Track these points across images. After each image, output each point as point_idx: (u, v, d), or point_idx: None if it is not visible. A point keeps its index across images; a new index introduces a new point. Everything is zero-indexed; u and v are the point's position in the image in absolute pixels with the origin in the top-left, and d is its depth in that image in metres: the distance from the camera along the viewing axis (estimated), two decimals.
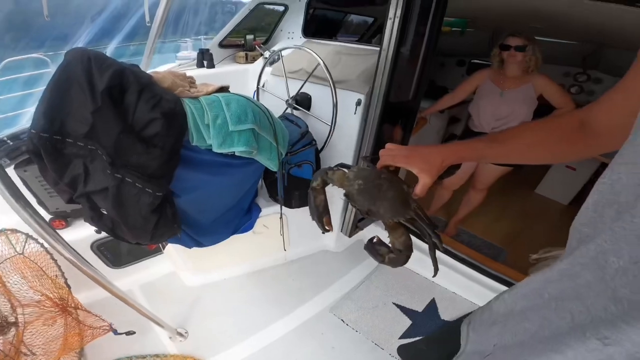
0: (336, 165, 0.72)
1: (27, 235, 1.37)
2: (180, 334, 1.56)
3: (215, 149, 1.19)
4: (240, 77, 2.50)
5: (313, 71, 1.84)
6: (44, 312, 1.35)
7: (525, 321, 0.43)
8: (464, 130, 2.42)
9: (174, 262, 1.86)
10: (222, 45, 2.48)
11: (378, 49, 1.66)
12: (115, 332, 1.36)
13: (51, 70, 2.61)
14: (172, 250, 1.70)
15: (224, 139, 1.18)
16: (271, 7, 2.62)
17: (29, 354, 1.27)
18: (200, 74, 2.25)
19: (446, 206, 2.63)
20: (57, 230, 1.29)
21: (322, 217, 0.71)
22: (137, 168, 1.05)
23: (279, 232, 1.82)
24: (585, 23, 2.11)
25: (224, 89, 1.34)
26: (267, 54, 2.26)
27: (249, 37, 2.58)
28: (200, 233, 1.47)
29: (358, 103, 1.81)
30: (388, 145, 0.68)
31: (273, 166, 1.43)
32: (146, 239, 1.22)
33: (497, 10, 2.29)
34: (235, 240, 1.69)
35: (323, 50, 2.19)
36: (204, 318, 1.70)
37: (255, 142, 1.27)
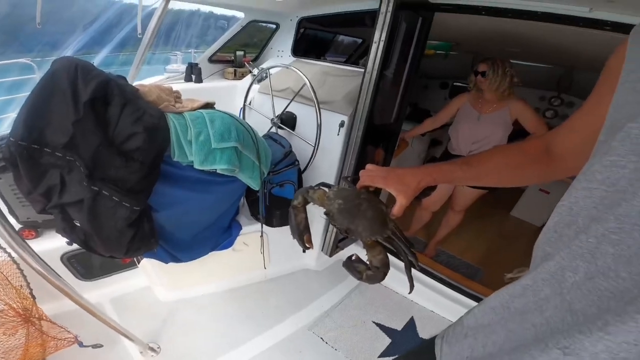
0: (317, 185, 0.74)
1: None
2: (152, 349, 1.50)
3: (197, 166, 1.19)
4: (228, 93, 2.51)
5: (299, 91, 1.88)
6: (6, 321, 1.29)
7: (493, 334, 0.45)
8: (443, 153, 2.50)
9: (149, 276, 1.81)
10: (211, 60, 2.51)
11: (363, 70, 1.72)
12: (81, 345, 1.32)
13: (37, 76, 2.57)
14: (148, 264, 1.67)
15: (206, 156, 1.19)
16: (264, 24, 2.70)
17: None
18: (187, 88, 2.26)
19: (426, 227, 2.69)
20: (27, 240, 1.25)
21: (302, 235, 0.72)
22: (115, 181, 1.04)
23: (259, 250, 1.81)
24: (557, 46, 2.25)
25: (209, 105, 1.36)
26: (255, 71, 2.30)
27: (239, 53, 2.62)
28: (178, 248, 1.45)
29: (341, 125, 1.85)
30: (368, 167, 0.70)
31: (255, 185, 1.44)
32: (120, 253, 1.20)
33: (477, 34, 2.41)
34: (214, 257, 1.67)
35: (310, 70, 2.25)
36: (178, 334, 1.65)
37: (237, 161, 1.29)
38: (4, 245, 1.29)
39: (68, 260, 1.60)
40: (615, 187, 0.34)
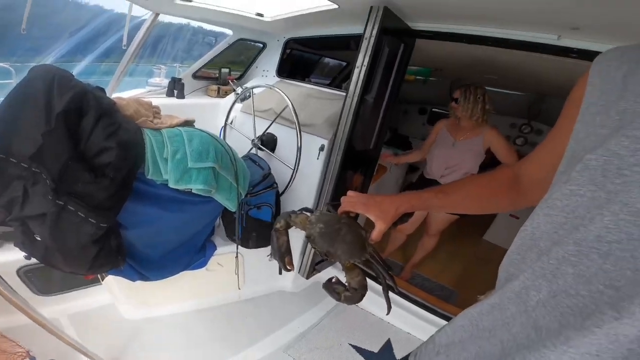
0: (300, 209, 0.76)
1: None
2: None
3: (171, 185, 1.17)
4: (210, 110, 2.49)
5: (281, 112, 1.91)
6: None
7: (464, 351, 0.46)
8: (418, 177, 2.58)
9: (113, 293, 1.72)
10: (195, 76, 2.50)
11: (345, 94, 1.76)
12: None
13: (14, 81, 2.46)
14: (113, 281, 1.59)
15: (182, 175, 1.18)
16: (252, 42, 2.74)
17: None
18: (168, 104, 2.23)
19: (402, 251, 2.75)
20: None
21: (284, 257, 0.74)
22: (82, 197, 1.01)
23: (234, 271, 1.77)
24: (529, 73, 2.39)
25: (188, 123, 1.36)
26: (239, 89, 2.31)
27: (224, 70, 2.63)
28: (147, 267, 1.40)
29: (321, 148, 1.87)
30: (349, 193, 0.73)
31: (231, 206, 1.43)
32: (82, 270, 1.14)
33: (456, 60, 2.53)
34: (186, 276, 1.62)
35: (294, 91, 2.29)
36: (143, 354, 1.56)
37: (214, 181, 1.27)
38: None
39: (25, 274, 1.51)
40: (574, 214, 0.37)
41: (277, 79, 2.58)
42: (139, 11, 2.13)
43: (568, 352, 0.31)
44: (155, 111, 1.36)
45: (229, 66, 2.78)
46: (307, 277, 2.15)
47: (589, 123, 0.41)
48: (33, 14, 1.86)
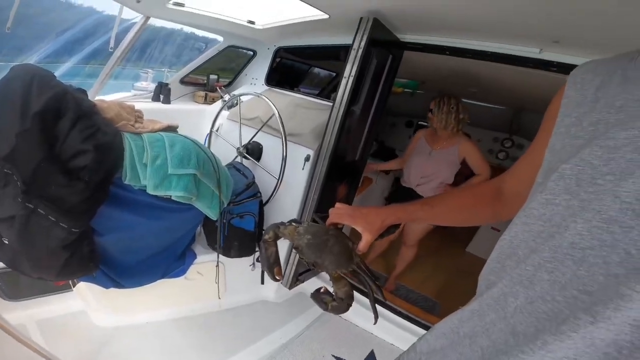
0: (289, 221, 0.78)
1: None
2: None
3: (150, 191, 1.14)
4: (196, 117, 2.46)
5: (267, 121, 1.91)
6: None
7: (445, 357, 0.47)
8: (396, 185, 2.62)
9: (85, 300, 1.65)
10: (183, 81, 2.48)
11: (332, 104, 1.76)
12: None
13: None
14: (84, 288, 1.52)
15: (161, 181, 1.15)
16: (243, 50, 2.74)
17: None
18: (153, 108, 2.20)
19: (385, 262, 2.78)
20: None
21: (272, 268, 0.75)
22: (54, 200, 0.97)
23: (214, 281, 1.73)
24: (510, 87, 2.44)
25: (171, 129, 1.34)
26: (226, 97, 2.30)
27: (213, 77, 2.62)
28: (122, 274, 1.35)
29: (307, 159, 1.87)
30: (337, 205, 0.74)
31: (213, 215, 1.40)
32: (51, 276, 1.09)
33: (442, 73, 2.59)
34: (164, 283, 1.57)
35: (282, 100, 2.30)
36: None
37: (195, 189, 1.25)
38: None
39: None
40: (550, 222, 0.38)
41: (266, 87, 2.59)
42: (129, 14, 2.12)
43: (546, 357, 0.32)
44: (138, 115, 1.34)
45: (218, 73, 2.78)
46: (290, 288, 2.12)
47: (564, 134, 0.43)
48: (21, 13, 1.82)
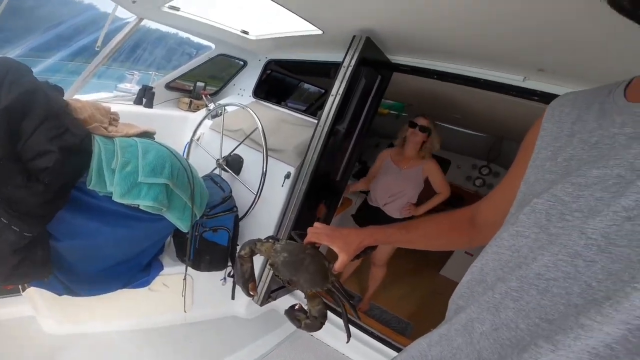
0: (266, 238, 0.78)
1: None
2: None
3: (116, 198, 1.09)
4: (178, 123, 2.41)
5: (250, 134, 1.89)
6: None
7: None
8: (362, 203, 2.62)
9: (35, 305, 1.53)
10: (169, 86, 2.44)
11: (317, 122, 1.75)
12: None
13: None
14: (35, 293, 1.42)
15: (130, 189, 1.10)
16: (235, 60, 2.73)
17: None
18: (134, 111, 2.13)
19: (359, 282, 2.78)
20: None
21: (247, 284, 0.76)
22: (9, 201, 0.91)
23: (181, 293, 1.66)
24: (492, 115, 2.50)
25: (147, 134, 1.30)
26: (211, 106, 2.27)
27: (199, 84, 2.60)
28: (78, 281, 1.27)
29: (287, 176, 1.83)
30: (316, 224, 0.75)
31: (184, 227, 1.35)
32: (1, 278, 1.02)
33: (428, 97, 2.63)
34: (124, 293, 1.48)
35: (267, 114, 2.29)
36: None
37: (165, 199, 1.21)
38: None
39: None
40: (518, 253, 0.39)
41: (253, 99, 2.58)
42: (123, 13, 2.09)
43: None
44: (113, 118, 1.30)
45: (206, 80, 2.75)
46: (262, 305, 2.06)
47: (539, 168, 0.44)
48: (13, 5, 1.76)
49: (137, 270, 1.48)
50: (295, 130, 2.10)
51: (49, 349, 1.48)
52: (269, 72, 2.79)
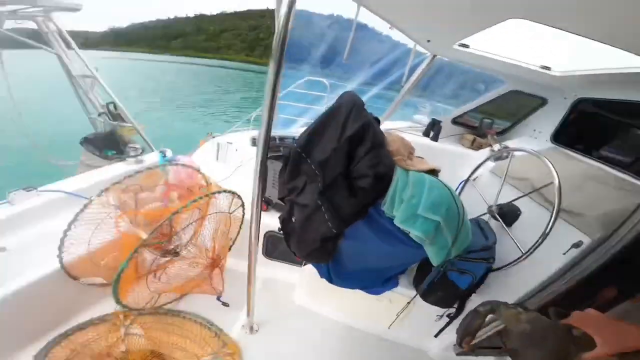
0: (513, 304, 0.72)
1: (242, 204, 1.81)
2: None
3: (397, 222, 1.25)
4: (457, 159, 2.38)
5: (540, 188, 1.58)
6: (199, 257, 1.75)
7: None
8: None
9: (302, 278, 2.01)
10: (455, 121, 2.52)
11: None
12: (218, 298, 1.84)
13: (326, 95, 3.28)
14: (308, 270, 1.86)
15: (408, 217, 1.23)
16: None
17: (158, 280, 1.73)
18: (422, 143, 2.34)
19: None
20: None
21: (465, 337, 0.77)
22: (334, 206, 1.27)
23: (397, 313, 1.72)
24: None
25: (434, 172, 1.39)
26: (496, 147, 2.10)
27: (487, 121, 2.49)
28: (337, 272, 1.58)
29: (576, 245, 1.42)
30: (589, 311, 0.65)
31: (435, 261, 1.36)
32: (301, 254, 1.45)
33: None
34: (358, 293, 1.70)
35: (569, 166, 1.84)
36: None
37: (432, 234, 1.25)
38: (247, 206, 1.76)
39: (267, 238, 2.03)
40: None
41: (551, 145, 2.15)
42: (423, 49, 2.37)
43: None
44: (410, 152, 1.49)
45: (493, 116, 2.61)
46: (458, 354, 1.73)
47: None
48: (343, 44, 2.41)
49: (379, 280, 1.66)
50: (605, 191, 1.59)
51: (293, 314, 1.94)
52: (576, 114, 2.23)
